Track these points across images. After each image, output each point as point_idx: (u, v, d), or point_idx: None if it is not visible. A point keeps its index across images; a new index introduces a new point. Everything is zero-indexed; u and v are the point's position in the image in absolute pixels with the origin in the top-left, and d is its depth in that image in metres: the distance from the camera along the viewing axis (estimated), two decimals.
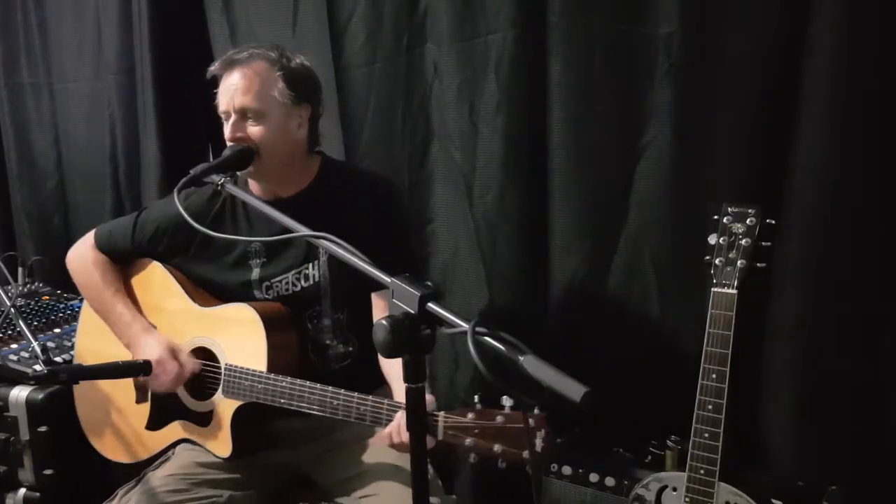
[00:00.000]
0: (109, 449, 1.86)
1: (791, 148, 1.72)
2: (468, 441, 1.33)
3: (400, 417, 1.42)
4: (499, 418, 1.31)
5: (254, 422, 1.65)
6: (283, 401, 1.56)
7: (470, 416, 1.33)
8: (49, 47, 2.76)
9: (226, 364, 1.64)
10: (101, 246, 1.84)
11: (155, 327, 1.77)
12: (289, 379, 1.56)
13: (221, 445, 1.65)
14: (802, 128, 1.70)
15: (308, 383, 1.54)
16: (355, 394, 1.50)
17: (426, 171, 2.14)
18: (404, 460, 1.55)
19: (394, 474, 1.59)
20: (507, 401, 1.32)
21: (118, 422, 1.83)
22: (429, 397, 1.45)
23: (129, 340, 1.76)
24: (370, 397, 1.49)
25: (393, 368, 1.60)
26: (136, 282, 1.84)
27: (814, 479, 1.69)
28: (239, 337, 1.65)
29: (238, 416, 1.63)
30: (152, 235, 1.79)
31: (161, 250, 1.79)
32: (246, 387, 1.60)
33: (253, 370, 1.60)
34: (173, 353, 1.69)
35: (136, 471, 1.70)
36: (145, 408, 1.78)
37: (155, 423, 1.77)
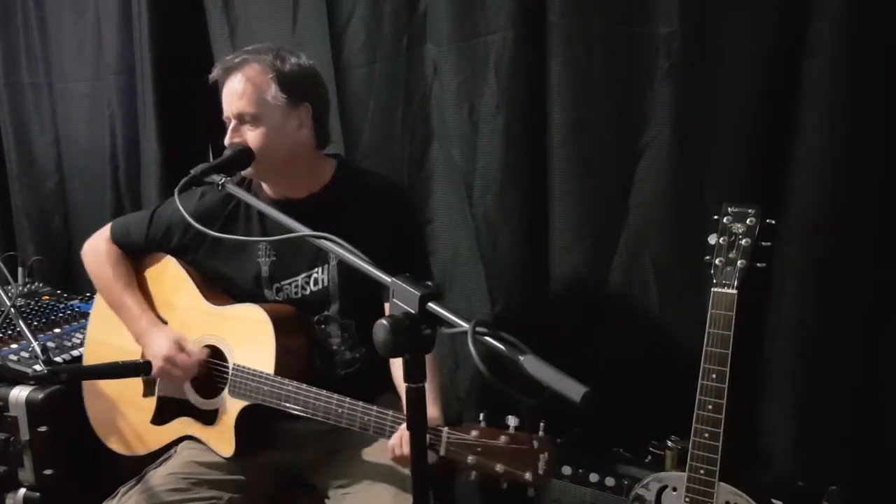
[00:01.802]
0: (114, 441, 1.87)
1: (791, 148, 1.72)
2: (470, 459, 1.31)
3: (403, 430, 1.41)
4: (503, 438, 1.29)
5: (258, 423, 1.65)
6: (287, 404, 1.56)
7: (474, 433, 1.32)
8: (49, 47, 2.76)
9: (234, 364, 1.65)
10: (116, 239, 1.87)
11: (165, 322, 1.79)
12: (295, 383, 1.56)
13: (225, 445, 1.65)
14: (802, 128, 1.70)
15: (314, 389, 1.54)
16: (360, 403, 1.49)
17: (426, 171, 2.14)
18: (400, 467, 1.55)
19: (391, 481, 1.58)
20: (511, 420, 1.31)
21: (125, 415, 1.84)
22: (434, 412, 1.45)
23: (137, 334, 1.78)
24: (375, 407, 1.48)
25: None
26: (150, 276, 1.87)
27: (814, 479, 1.69)
28: (248, 338, 1.65)
29: (242, 417, 1.63)
30: (166, 231, 1.81)
31: (174, 246, 1.81)
32: (252, 388, 1.60)
33: (260, 372, 1.60)
34: (180, 345, 1.70)
35: (137, 469, 1.70)
36: (151, 402, 1.79)
37: (160, 419, 1.78)
